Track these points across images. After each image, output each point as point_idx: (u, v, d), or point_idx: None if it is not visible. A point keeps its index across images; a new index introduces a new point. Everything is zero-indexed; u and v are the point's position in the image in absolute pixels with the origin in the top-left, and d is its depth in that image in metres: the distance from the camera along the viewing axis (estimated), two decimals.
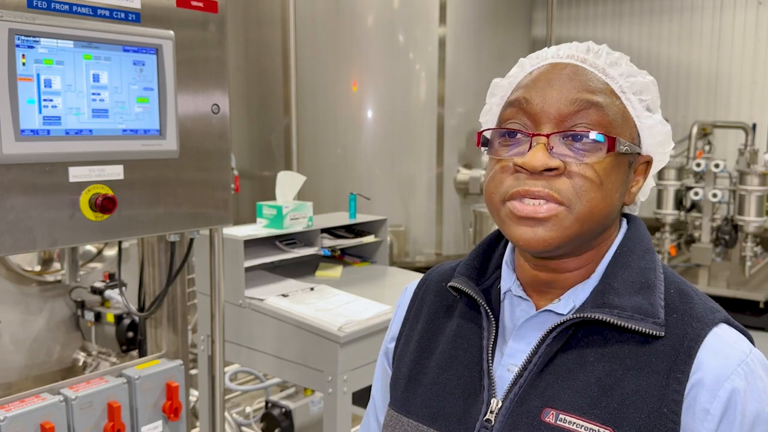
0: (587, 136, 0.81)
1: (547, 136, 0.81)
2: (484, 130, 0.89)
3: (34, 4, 1.38)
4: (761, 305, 5.08)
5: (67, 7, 1.42)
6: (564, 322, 0.83)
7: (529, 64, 0.90)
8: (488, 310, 0.91)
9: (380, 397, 1.08)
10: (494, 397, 0.86)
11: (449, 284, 0.96)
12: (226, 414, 2.89)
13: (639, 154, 0.87)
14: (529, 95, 0.84)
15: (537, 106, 0.82)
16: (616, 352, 0.82)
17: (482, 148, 0.89)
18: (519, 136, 0.84)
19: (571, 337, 0.84)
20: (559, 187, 0.80)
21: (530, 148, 0.81)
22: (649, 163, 0.89)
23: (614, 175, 0.83)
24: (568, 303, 0.87)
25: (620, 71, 0.86)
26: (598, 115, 0.82)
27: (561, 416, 0.80)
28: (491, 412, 0.85)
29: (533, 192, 0.80)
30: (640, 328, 0.80)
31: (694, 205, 5.51)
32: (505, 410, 0.84)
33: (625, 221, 0.93)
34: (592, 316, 0.82)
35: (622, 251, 0.88)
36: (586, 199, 0.80)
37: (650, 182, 0.92)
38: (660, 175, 5.41)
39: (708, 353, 0.79)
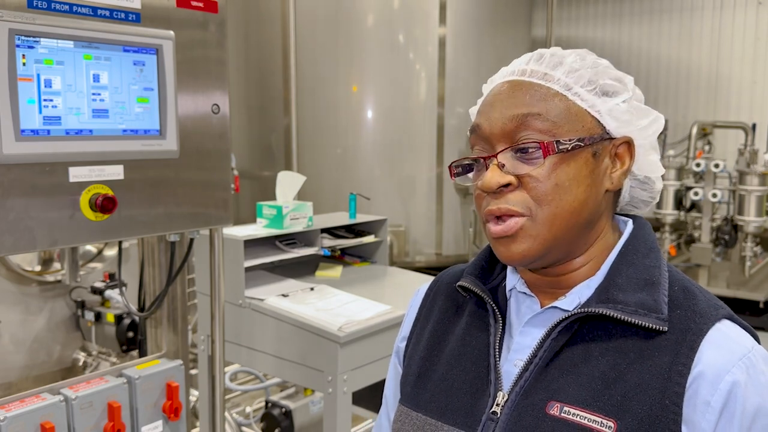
0: (529, 147, 0.84)
1: (495, 156, 0.86)
2: (451, 164, 0.93)
3: (34, 4, 1.38)
4: (761, 305, 5.08)
5: (67, 7, 1.42)
6: (569, 316, 0.86)
7: (486, 90, 0.94)
8: (494, 307, 0.94)
9: (392, 396, 1.10)
10: (500, 390, 0.88)
11: (458, 284, 1.00)
12: (226, 414, 2.89)
13: (608, 139, 0.88)
14: (479, 121, 0.89)
15: (486, 130, 0.88)
16: (620, 346, 0.84)
17: (453, 179, 0.93)
18: (480, 161, 0.89)
19: (576, 333, 0.86)
20: (515, 200, 0.84)
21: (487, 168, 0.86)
22: (629, 143, 0.89)
23: (571, 171, 0.84)
24: (574, 300, 0.89)
25: (563, 70, 0.88)
26: (538, 123, 0.85)
27: (565, 408, 0.82)
28: (497, 405, 0.87)
29: (494, 211, 0.85)
30: (644, 323, 0.82)
31: (694, 205, 5.50)
32: (510, 403, 0.86)
33: (630, 222, 0.94)
34: (597, 311, 0.84)
35: (626, 250, 0.90)
36: (545, 203, 0.84)
37: (653, 158, 0.92)
38: None
39: (710, 347, 0.81)
